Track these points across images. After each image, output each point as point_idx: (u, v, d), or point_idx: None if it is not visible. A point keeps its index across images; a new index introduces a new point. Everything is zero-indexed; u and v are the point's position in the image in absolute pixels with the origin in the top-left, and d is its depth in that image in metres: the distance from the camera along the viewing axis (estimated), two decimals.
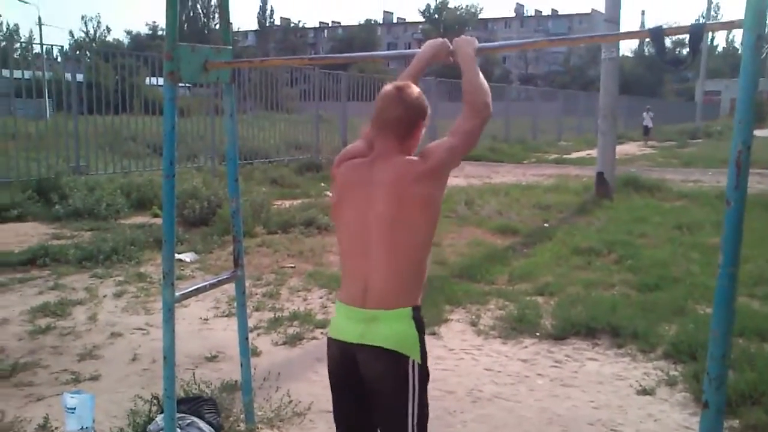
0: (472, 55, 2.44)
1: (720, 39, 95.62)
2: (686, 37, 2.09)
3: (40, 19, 72.67)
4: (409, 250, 2.14)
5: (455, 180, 13.84)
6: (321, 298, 5.96)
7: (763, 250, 7.20)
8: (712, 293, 1.90)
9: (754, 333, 4.75)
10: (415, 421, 2.13)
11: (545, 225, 9.33)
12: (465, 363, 4.52)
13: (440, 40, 2.58)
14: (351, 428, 2.29)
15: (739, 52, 1.90)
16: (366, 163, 2.25)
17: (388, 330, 2.09)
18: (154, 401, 3.35)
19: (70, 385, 4.02)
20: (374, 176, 2.18)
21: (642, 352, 4.65)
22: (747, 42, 1.78)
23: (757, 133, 30.25)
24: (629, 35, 2.94)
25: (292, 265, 7.03)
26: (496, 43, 3.12)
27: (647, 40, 2.50)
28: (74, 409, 3.14)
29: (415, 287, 2.17)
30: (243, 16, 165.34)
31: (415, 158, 2.19)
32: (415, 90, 2.26)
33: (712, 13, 52.08)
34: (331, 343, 2.23)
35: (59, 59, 12.43)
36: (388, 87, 2.27)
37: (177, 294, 2.85)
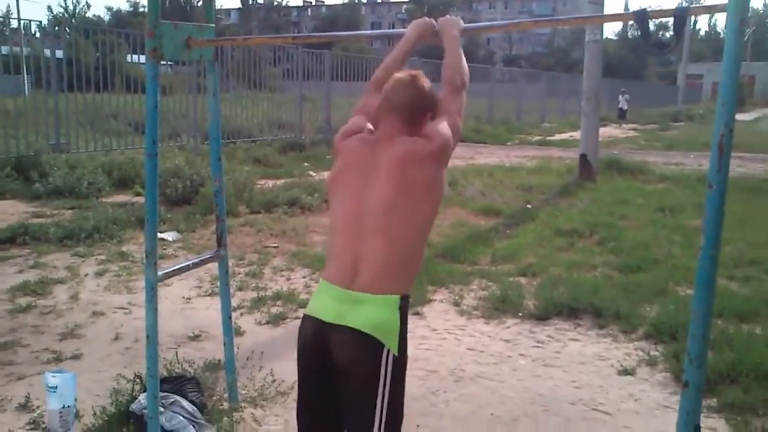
0: (456, 36, 2.44)
1: (702, 23, 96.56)
2: (669, 20, 2.09)
3: None
4: (406, 235, 2.07)
5: None
6: (304, 277, 5.96)
7: (742, 232, 7.29)
8: (693, 275, 1.92)
9: (733, 314, 4.83)
10: (384, 419, 2.02)
11: (528, 206, 9.37)
12: (448, 343, 4.55)
13: (425, 20, 2.56)
14: (314, 413, 2.18)
15: (722, 35, 1.90)
16: (370, 140, 2.24)
17: (370, 314, 2.01)
18: (137, 380, 3.34)
19: (52, 364, 4.00)
20: (378, 154, 2.14)
21: (623, 332, 4.71)
22: (730, 25, 1.78)
23: (738, 117, 30.38)
24: (614, 17, 2.95)
25: (276, 245, 7.01)
26: (480, 24, 3.13)
27: (631, 23, 2.50)
28: (56, 388, 3.12)
29: (407, 275, 2.11)
30: None
31: (421, 138, 2.16)
32: (428, 82, 2.29)
33: None
34: (306, 320, 2.15)
35: (38, 35, 12.22)
36: (401, 74, 2.29)
37: (160, 273, 2.84)
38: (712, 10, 2.02)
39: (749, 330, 4.55)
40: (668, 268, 6.10)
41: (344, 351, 2.02)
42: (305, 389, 2.19)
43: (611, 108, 33.70)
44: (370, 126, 2.34)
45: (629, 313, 4.93)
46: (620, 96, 32.75)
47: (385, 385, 2.01)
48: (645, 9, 2.11)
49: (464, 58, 2.40)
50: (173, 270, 3.09)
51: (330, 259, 2.19)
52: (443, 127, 2.19)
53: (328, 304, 2.08)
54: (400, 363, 2.05)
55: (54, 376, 3.15)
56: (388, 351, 2.01)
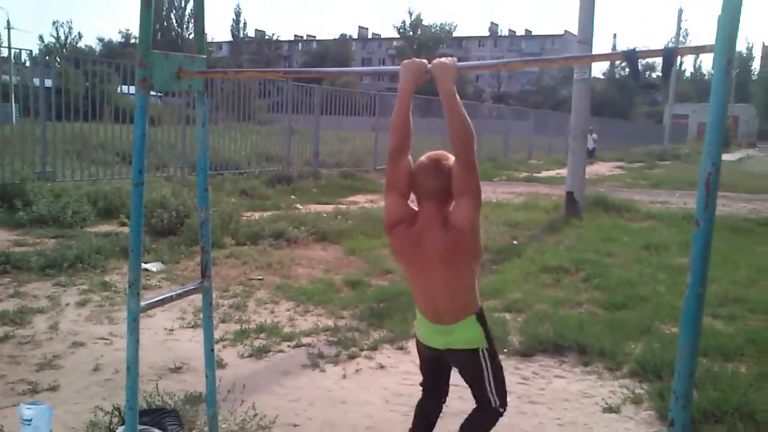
0: (452, 91, 2.49)
1: (688, 64, 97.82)
2: (656, 60, 2.13)
3: (8, 22, 71.41)
4: (461, 284, 2.74)
5: None
6: (288, 311, 5.91)
7: (727, 271, 7.32)
8: (679, 313, 1.91)
9: (718, 352, 4.82)
10: (493, 385, 2.88)
11: (514, 242, 9.37)
12: None
13: (416, 62, 2.56)
14: (434, 385, 3.15)
15: (707, 77, 1.93)
16: (415, 231, 2.70)
17: (463, 336, 2.79)
18: (115, 413, 3.28)
19: (27, 396, 3.92)
20: (424, 243, 2.67)
21: (608, 370, 4.68)
22: (717, 66, 1.80)
23: (723, 157, 30.79)
24: (603, 57, 2.98)
25: (260, 277, 6.97)
26: (472, 63, 3.14)
27: (618, 63, 2.52)
28: (30, 420, 3.05)
29: (472, 300, 2.80)
30: (217, 28, 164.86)
31: (454, 229, 2.59)
32: (449, 161, 2.65)
33: (681, 38, 53.17)
34: (422, 346, 2.97)
35: (28, 64, 12.24)
36: (425, 160, 2.70)
37: (142, 303, 2.80)
38: (699, 50, 2.05)
39: (734, 369, 4.53)
40: (653, 306, 6.09)
41: (457, 361, 2.93)
42: (429, 375, 3.15)
43: (598, 147, 33.96)
44: (405, 203, 2.75)
45: (614, 350, 4.90)
46: (588, 135, 31.95)
47: (488, 369, 2.85)
48: (634, 49, 2.13)
49: (465, 113, 2.53)
50: (156, 300, 3.04)
51: (419, 303, 2.90)
52: (469, 215, 2.59)
53: (433, 336, 2.86)
54: (492, 350, 2.87)
55: (29, 408, 3.09)
56: (484, 349, 2.82)
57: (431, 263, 2.67)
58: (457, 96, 2.52)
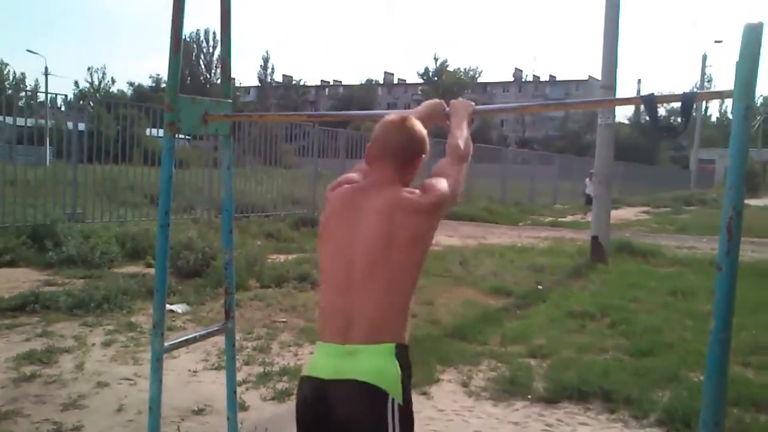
0: (464, 117, 2.44)
1: (713, 109, 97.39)
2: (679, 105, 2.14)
3: (46, 69, 73.54)
4: (396, 285, 2.04)
5: (450, 239, 13.86)
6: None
7: (757, 318, 7.18)
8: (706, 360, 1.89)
9: (749, 402, 4.70)
10: None
11: (539, 287, 9.30)
12: (455, 424, 4.46)
13: (436, 100, 2.60)
14: None
15: None
16: (360, 188, 2.21)
17: (367, 364, 1.96)
18: None
19: None
20: (367, 202, 2.10)
21: (634, 418, 4.59)
22: (736, 111, 1.82)
23: (752, 202, 30.54)
24: (622, 101, 3.02)
25: (284, 320, 6.98)
26: (491, 106, 3.21)
27: (643, 107, 2.55)
28: None
29: (399, 324, 2.05)
30: (245, 73, 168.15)
31: (415, 190, 2.12)
32: (420, 124, 2.24)
33: (705, 83, 53.09)
34: (304, 382, 2.09)
35: (63, 108, 12.58)
36: (391, 116, 2.25)
37: (166, 344, 2.83)
38: (718, 95, 2.07)
39: (766, 419, 4.43)
40: (680, 353, 5.99)
41: (347, 406, 1.95)
42: None
43: (624, 192, 33.82)
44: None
45: (640, 397, 4.82)
46: (587, 180, 24.96)
47: None
48: (652, 94, 2.16)
49: (469, 136, 2.41)
50: (180, 341, 3.08)
51: (322, 316, 2.16)
52: (443, 184, 2.15)
53: (324, 362, 2.04)
54: (407, 413, 1.99)
55: None
56: (393, 400, 1.96)
57: (365, 238, 2.05)
58: (466, 130, 2.41)
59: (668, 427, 4.42)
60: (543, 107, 2.61)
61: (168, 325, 4.17)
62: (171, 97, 2.78)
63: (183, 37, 2.82)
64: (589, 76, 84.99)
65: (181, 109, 2.82)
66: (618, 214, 22.66)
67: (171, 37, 2.72)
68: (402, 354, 2.02)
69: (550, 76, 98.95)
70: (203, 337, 3.27)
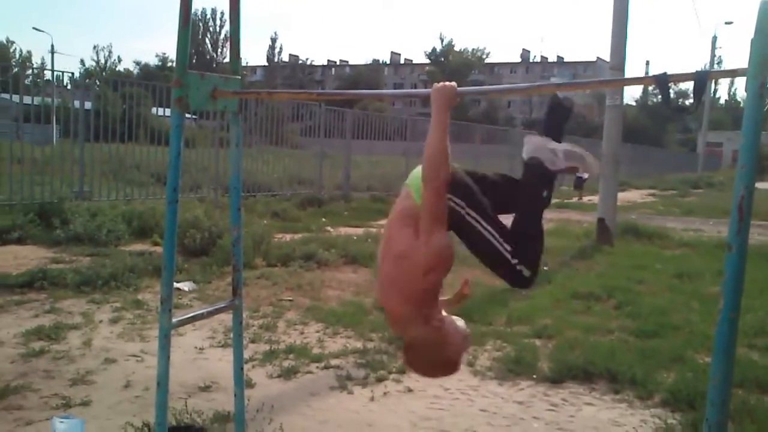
0: (440, 110, 2.38)
1: (722, 91, 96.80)
2: (689, 87, 2.11)
3: (53, 47, 73.75)
4: None
5: None
6: (318, 332, 5.92)
7: (763, 301, 7.17)
8: (712, 342, 1.88)
9: (754, 384, 4.70)
10: None
11: (545, 268, 9.28)
12: (460, 403, 4.48)
13: (448, 85, 2.42)
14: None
15: (742, 105, 1.92)
16: None
17: None
18: (145, 428, 3.31)
19: (60, 410, 3.98)
20: None
21: (639, 398, 4.60)
22: (750, 89, 1.80)
23: (760, 185, 30.28)
24: (634, 81, 2.99)
25: (290, 299, 7.00)
26: (492, 87, 3.14)
27: (651, 89, 2.52)
28: None
29: None
30: (252, 52, 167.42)
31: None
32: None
33: (715, 65, 52.59)
34: None
35: (69, 86, 12.55)
36: None
37: (173, 320, 2.84)
38: (732, 74, 2.04)
39: None
40: (686, 335, 5.99)
41: None
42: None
43: (631, 173, 33.69)
44: None
45: (645, 378, 4.82)
46: None
47: None
48: (665, 73, 2.12)
49: (439, 139, 2.36)
50: (187, 317, 3.08)
51: None
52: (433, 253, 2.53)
53: None
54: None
55: (61, 422, 3.14)
56: None
57: None
58: (445, 121, 2.39)
59: (673, 407, 4.42)
60: (554, 87, 2.58)
61: (174, 302, 4.17)
62: (180, 72, 2.76)
63: (192, 12, 2.79)
64: (597, 58, 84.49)
65: (190, 85, 2.80)
66: (625, 197, 22.59)
67: (180, 11, 2.69)
68: None
69: (558, 57, 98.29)
70: (211, 314, 3.27)
